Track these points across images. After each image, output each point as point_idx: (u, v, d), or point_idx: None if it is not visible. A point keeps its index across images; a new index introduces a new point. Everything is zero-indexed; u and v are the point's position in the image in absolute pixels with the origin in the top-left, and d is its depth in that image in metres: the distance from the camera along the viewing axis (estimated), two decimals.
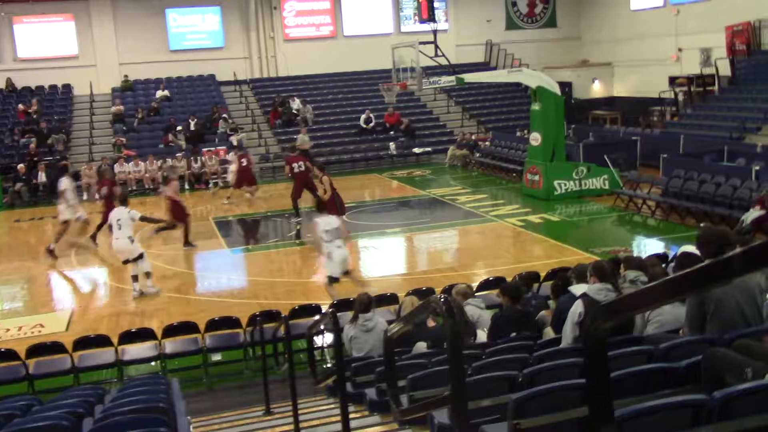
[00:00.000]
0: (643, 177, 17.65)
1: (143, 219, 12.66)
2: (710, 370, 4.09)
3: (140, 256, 12.37)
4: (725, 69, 24.80)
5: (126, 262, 12.52)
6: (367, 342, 7.41)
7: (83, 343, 8.96)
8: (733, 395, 3.47)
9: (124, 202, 12.82)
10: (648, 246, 14.37)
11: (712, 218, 14.33)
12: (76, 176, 23.25)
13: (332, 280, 10.81)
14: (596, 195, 18.42)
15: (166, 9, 29.15)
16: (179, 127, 26.13)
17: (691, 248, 7.21)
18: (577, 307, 5.97)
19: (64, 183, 15.92)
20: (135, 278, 12.41)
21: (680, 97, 26.45)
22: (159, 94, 28.18)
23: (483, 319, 7.67)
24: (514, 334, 6.92)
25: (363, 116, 27.44)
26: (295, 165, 17.46)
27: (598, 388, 1.93)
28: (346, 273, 10.98)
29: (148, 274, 12.51)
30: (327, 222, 10.85)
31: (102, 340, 9.01)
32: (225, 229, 17.56)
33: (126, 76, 28.44)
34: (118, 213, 12.40)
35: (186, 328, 9.40)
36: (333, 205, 14.13)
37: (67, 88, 28.27)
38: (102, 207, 15.70)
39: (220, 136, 26.20)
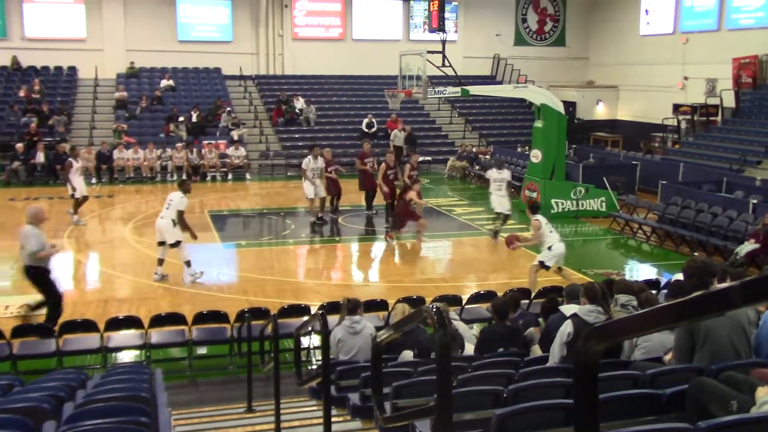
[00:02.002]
0: (640, 202, 17.67)
1: (180, 214, 12.38)
2: (696, 400, 4.09)
3: (176, 244, 12.44)
4: (730, 100, 24.92)
5: (161, 243, 12.61)
6: (354, 345, 7.38)
7: (69, 326, 8.92)
8: (718, 426, 3.46)
9: (182, 187, 12.94)
10: (641, 271, 14.39)
11: (707, 248, 14.35)
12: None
13: (543, 266, 11.70)
14: (593, 216, 18.44)
15: None
16: (181, 118, 26.10)
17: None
18: (567, 327, 5.97)
19: (306, 162, 17.07)
20: (160, 262, 12.60)
21: (683, 125, 26.56)
22: (164, 83, 28.15)
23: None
24: (501, 349, 6.91)
25: (365, 120, 27.45)
26: (367, 160, 17.83)
27: (586, 409, 1.92)
28: (559, 269, 12.07)
29: (188, 263, 12.57)
30: (546, 219, 12.01)
31: (88, 325, 8.96)
32: (219, 223, 17.53)
33: (132, 62, 28.43)
34: (173, 195, 12.65)
35: (173, 319, 9.36)
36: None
37: (72, 70, 28.23)
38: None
39: (221, 130, 26.19)
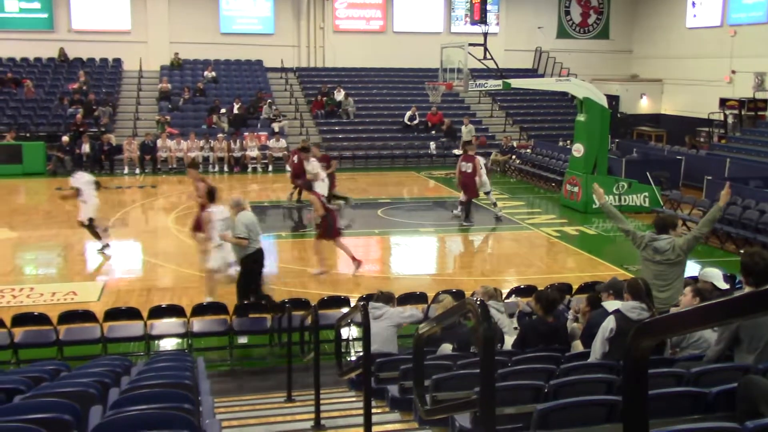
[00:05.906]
0: (684, 197, 17.36)
1: None
2: (745, 399, 4.00)
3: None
4: None
5: None
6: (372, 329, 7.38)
7: (114, 314, 9.09)
8: (767, 427, 3.39)
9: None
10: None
11: (753, 246, 14.04)
12: (118, 150, 23.64)
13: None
14: (635, 212, 18.15)
15: None
16: (223, 110, 26.36)
17: (712, 270, 7.17)
18: (609, 323, 5.89)
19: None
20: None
21: (729, 120, 25.99)
22: (206, 75, 28.45)
23: (500, 323, 7.52)
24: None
25: (408, 113, 27.42)
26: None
27: (635, 406, 1.90)
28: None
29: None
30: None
31: (132, 313, 9.12)
32: (260, 215, 17.61)
33: (176, 54, 28.77)
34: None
35: (215, 308, 9.48)
36: None
37: (117, 62, 28.69)
38: None
39: (262, 121, 26.39)
